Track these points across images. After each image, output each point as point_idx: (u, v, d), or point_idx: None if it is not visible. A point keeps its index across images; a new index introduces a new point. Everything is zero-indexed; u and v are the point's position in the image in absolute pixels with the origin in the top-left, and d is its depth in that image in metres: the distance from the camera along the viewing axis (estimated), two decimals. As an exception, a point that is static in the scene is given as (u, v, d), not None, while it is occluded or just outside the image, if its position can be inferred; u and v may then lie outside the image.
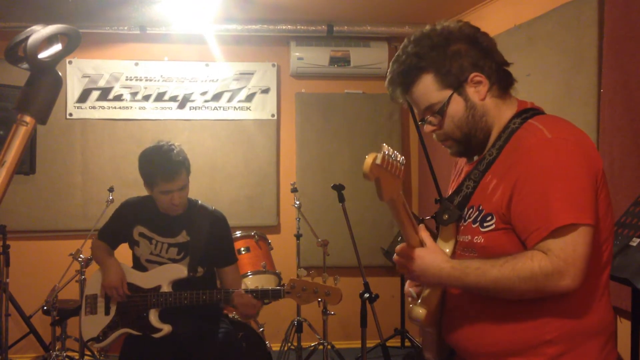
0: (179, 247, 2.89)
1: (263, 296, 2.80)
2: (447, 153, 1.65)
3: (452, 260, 1.49)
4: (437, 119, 1.56)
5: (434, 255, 1.50)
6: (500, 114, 1.54)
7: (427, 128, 1.59)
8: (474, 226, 1.50)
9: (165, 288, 2.83)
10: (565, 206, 1.36)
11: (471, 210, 1.53)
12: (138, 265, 2.95)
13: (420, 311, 1.58)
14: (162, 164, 2.75)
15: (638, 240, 2.18)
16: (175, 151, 2.80)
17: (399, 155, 1.37)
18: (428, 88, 1.53)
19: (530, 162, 1.41)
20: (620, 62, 2.76)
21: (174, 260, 2.88)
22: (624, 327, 2.61)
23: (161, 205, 2.84)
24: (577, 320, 1.44)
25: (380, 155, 1.30)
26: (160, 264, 2.89)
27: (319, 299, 2.73)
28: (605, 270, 1.50)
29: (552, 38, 3.30)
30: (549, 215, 1.37)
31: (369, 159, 1.29)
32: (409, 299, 1.68)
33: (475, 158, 1.60)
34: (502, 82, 1.55)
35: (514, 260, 1.39)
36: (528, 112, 1.53)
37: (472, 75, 1.51)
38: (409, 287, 1.70)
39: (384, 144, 1.33)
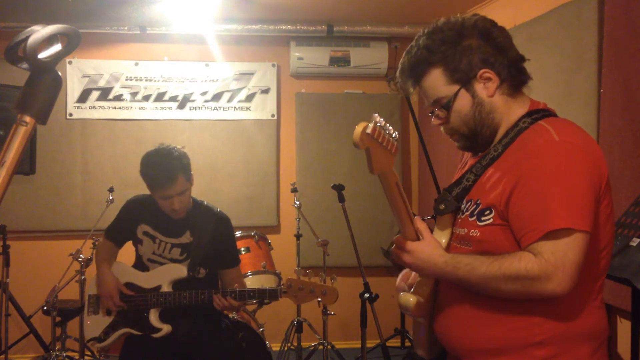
0: (182, 248, 2.89)
1: (260, 296, 2.80)
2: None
3: (445, 255, 1.50)
4: (444, 113, 1.56)
5: (429, 249, 1.51)
6: (510, 111, 1.53)
7: (434, 121, 1.59)
8: (470, 219, 1.50)
9: (166, 288, 2.82)
10: (563, 210, 1.36)
11: (469, 203, 1.53)
12: (140, 264, 2.94)
13: (410, 299, 1.58)
14: (159, 169, 2.72)
15: (638, 240, 2.18)
16: (174, 155, 2.77)
17: (392, 129, 1.37)
18: (436, 82, 1.53)
19: (534, 162, 1.40)
20: (620, 62, 2.76)
21: (177, 261, 2.88)
22: (624, 327, 2.61)
23: (163, 209, 2.84)
24: (568, 324, 1.44)
25: (370, 125, 1.30)
26: (162, 264, 2.88)
27: (316, 299, 2.72)
28: (601, 278, 1.49)
29: (552, 38, 3.30)
30: (545, 218, 1.36)
31: (359, 128, 1.30)
32: (400, 293, 1.68)
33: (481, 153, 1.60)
34: (514, 79, 1.53)
35: (502, 260, 1.40)
36: (539, 113, 1.52)
37: (481, 71, 1.50)
38: (400, 282, 1.70)
39: (375, 114, 1.33)
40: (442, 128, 1.61)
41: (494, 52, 1.51)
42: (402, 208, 1.49)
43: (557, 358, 1.43)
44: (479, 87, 1.52)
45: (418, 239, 1.54)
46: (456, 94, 1.52)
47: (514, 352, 1.45)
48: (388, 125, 1.35)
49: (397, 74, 1.60)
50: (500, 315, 1.47)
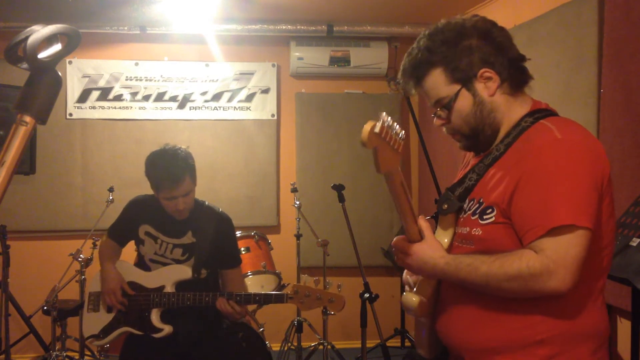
0: (183, 248, 2.88)
1: (266, 301, 2.80)
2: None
3: (447, 256, 1.50)
4: (446, 113, 1.56)
5: (430, 251, 1.51)
6: (511, 111, 1.54)
7: (437, 122, 1.60)
8: (473, 218, 1.50)
9: (169, 289, 2.82)
10: (565, 207, 1.36)
11: (472, 202, 1.53)
12: (142, 264, 2.94)
13: (414, 299, 1.57)
14: (165, 170, 2.71)
15: (638, 240, 2.18)
16: (180, 156, 2.75)
17: (399, 129, 1.36)
18: (437, 82, 1.54)
19: (536, 160, 1.41)
20: (620, 62, 2.76)
21: (178, 261, 2.87)
22: (624, 327, 2.61)
23: (166, 209, 2.83)
24: (570, 322, 1.44)
25: (379, 124, 1.30)
26: (164, 264, 2.88)
27: (323, 306, 2.72)
28: (603, 276, 1.49)
29: (552, 38, 3.30)
30: (548, 215, 1.36)
31: (367, 127, 1.29)
32: (407, 287, 1.68)
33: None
34: (515, 79, 1.54)
35: (504, 258, 1.40)
36: (541, 113, 1.52)
37: (481, 71, 1.51)
38: (407, 276, 1.70)
39: (383, 113, 1.33)
40: (444, 128, 1.61)
41: (494, 51, 1.51)
42: (406, 207, 1.49)
43: (558, 357, 1.43)
44: (480, 87, 1.52)
45: (420, 238, 1.54)
46: (457, 94, 1.52)
47: (515, 351, 1.45)
48: (395, 124, 1.35)
49: (399, 75, 1.61)
50: (502, 314, 1.47)
